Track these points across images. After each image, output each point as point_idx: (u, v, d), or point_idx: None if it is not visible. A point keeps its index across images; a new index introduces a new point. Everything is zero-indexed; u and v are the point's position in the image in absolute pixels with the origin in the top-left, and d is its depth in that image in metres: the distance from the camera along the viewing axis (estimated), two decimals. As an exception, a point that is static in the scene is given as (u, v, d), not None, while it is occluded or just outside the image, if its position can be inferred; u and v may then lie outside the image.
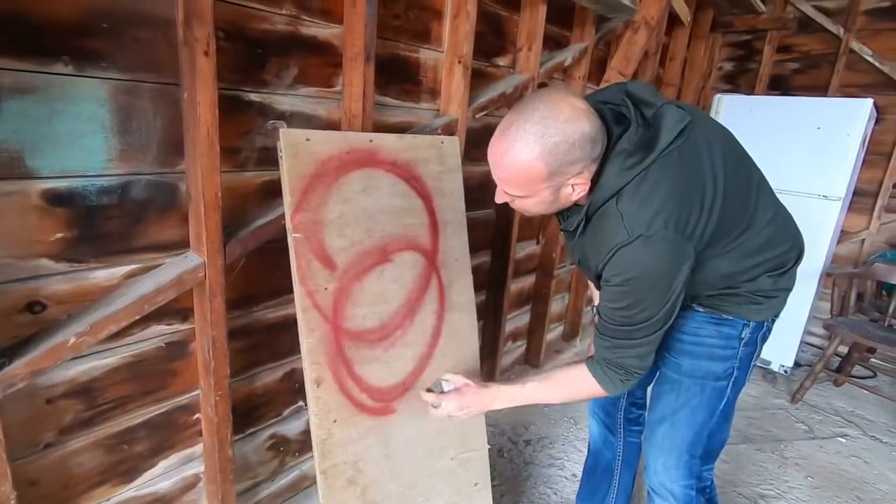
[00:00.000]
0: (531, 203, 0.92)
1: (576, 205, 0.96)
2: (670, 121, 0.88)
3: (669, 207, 0.85)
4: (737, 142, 1.00)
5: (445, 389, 1.13)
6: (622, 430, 1.43)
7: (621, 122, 0.89)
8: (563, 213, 1.01)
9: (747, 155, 1.01)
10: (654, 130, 0.88)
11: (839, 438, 2.35)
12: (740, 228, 0.95)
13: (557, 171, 0.83)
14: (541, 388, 1.07)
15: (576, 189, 0.88)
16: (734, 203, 0.93)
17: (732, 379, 1.10)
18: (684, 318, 1.10)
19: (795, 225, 1.09)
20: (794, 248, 1.06)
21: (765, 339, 1.12)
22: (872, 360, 2.95)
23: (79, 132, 0.94)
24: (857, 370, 2.90)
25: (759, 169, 1.03)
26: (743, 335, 1.07)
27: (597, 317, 1.02)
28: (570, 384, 1.05)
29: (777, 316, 1.12)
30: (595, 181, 0.89)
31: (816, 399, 2.69)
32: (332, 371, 1.13)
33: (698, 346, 1.10)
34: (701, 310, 1.09)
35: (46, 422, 1.02)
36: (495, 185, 0.94)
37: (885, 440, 2.36)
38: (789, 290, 1.08)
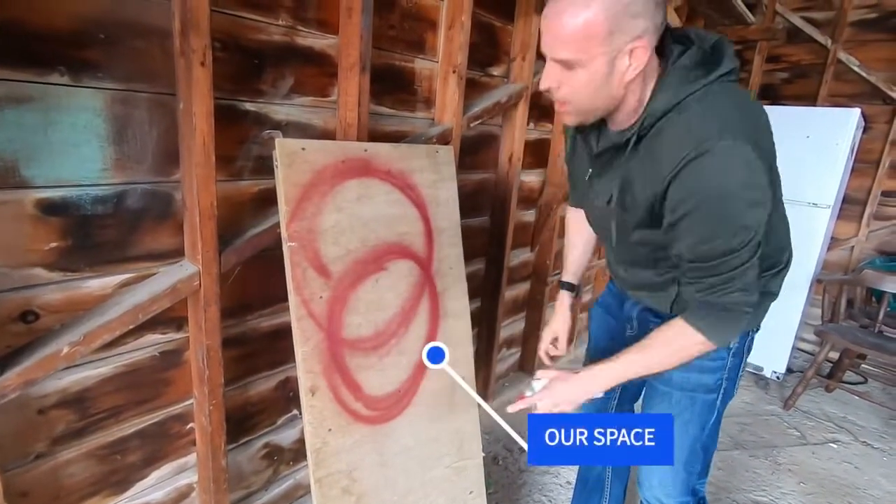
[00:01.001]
0: (582, 81, 0.81)
1: (614, 132, 0.91)
2: (731, 50, 0.84)
3: (744, 126, 0.79)
4: None
5: (537, 389, 1.03)
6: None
7: (683, 43, 0.85)
8: (593, 135, 0.96)
9: None
10: (716, 55, 0.83)
11: (831, 444, 2.37)
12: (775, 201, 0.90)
13: (618, 27, 0.75)
14: (640, 359, 0.95)
15: (632, 63, 0.79)
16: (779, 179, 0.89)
17: (722, 391, 1.09)
18: None
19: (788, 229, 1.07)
20: (787, 250, 1.05)
21: (749, 349, 1.11)
22: (863, 365, 2.98)
23: (74, 141, 0.94)
24: (849, 376, 2.93)
25: None
26: (731, 344, 1.06)
27: (680, 261, 0.90)
28: (672, 345, 0.93)
29: (758, 327, 1.11)
30: (653, 95, 0.84)
31: (808, 405, 2.71)
32: (327, 380, 1.13)
33: (688, 373, 1.06)
34: None
35: (38, 432, 1.02)
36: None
37: (877, 446, 2.38)
38: (775, 295, 1.06)
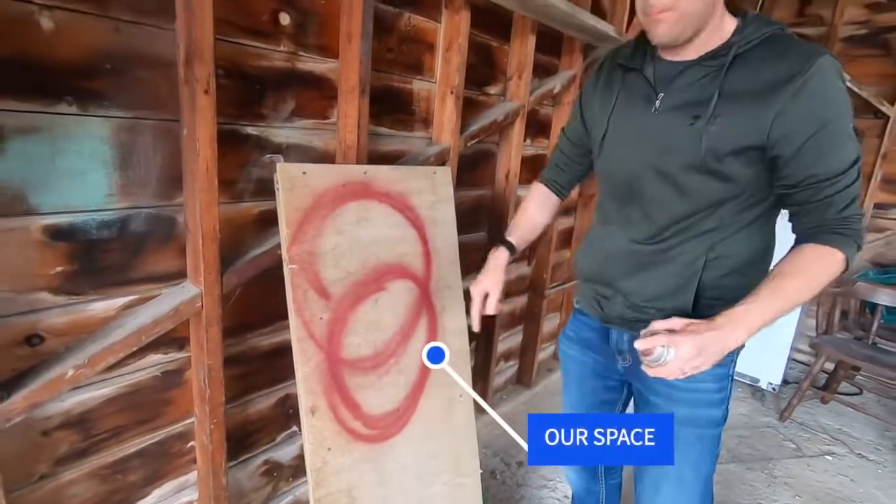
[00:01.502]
0: None
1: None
2: None
3: None
4: None
5: (669, 358, 0.80)
6: (602, 474, 1.39)
7: None
8: (649, 67, 0.98)
9: None
10: None
11: (826, 457, 2.39)
12: None
13: None
14: (784, 289, 0.84)
15: None
16: None
17: (728, 391, 1.03)
18: None
19: None
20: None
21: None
22: (858, 377, 3.00)
23: (81, 169, 0.97)
24: (844, 387, 2.95)
25: None
26: (731, 371, 1.01)
27: (803, 185, 0.86)
28: (815, 266, 0.86)
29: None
30: (743, 26, 0.89)
31: (804, 416, 2.73)
32: (327, 399, 1.15)
33: (694, 394, 1.00)
34: None
35: (41, 454, 1.03)
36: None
37: (872, 458, 2.40)
38: None
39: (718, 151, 0.89)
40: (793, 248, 0.90)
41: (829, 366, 2.81)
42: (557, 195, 1.31)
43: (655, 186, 0.97)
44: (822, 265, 0.86)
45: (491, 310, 1.20)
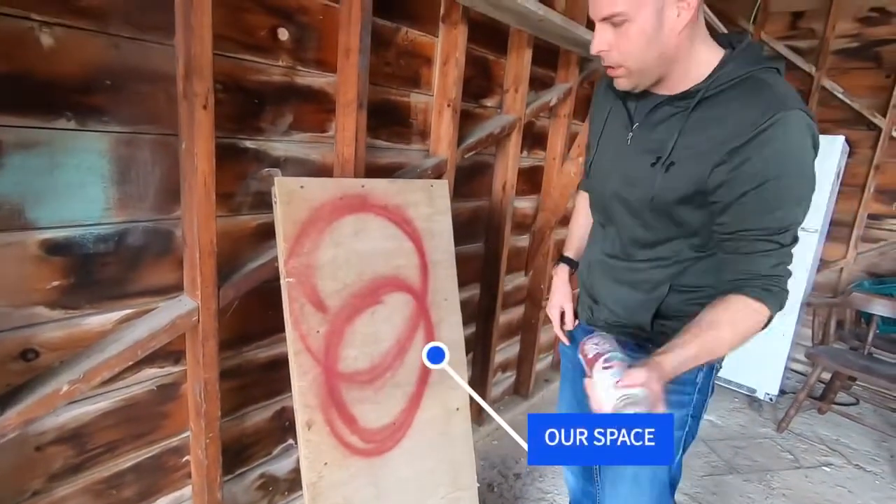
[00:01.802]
0: (632, 36, 0.82)
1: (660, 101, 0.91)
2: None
3: (803, 102, 0.82)
4: None
5: (641, 396, 0.78)
6: (598, 476, 1.36)
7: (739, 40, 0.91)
8: (634, 99, 0.97)
9: None
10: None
11: (824, 468, 2.38)
12: None
13: None
14: (708, 340, 0.84)
15: (680, 13, 0.81)
16: None
17: (687, 428, 1.04)
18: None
19: None
20: None
21: (713, 387, 1.06)
22: (855, 387, 3.00)
23: (79, 183, 0.97)
24: (841, 397, 2.96)
25: None
26: (698, 380, 1.02)
27: (740, 235, 0.86)
28: (739, 324, 0.85)
29: (721, 363, 1.06)
30: (722, 63, 0.86)
31: (801, 427, 2.73)
32: (324, 413, 1.14)
33: None
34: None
35: (35, 469, 1.02)
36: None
37: (869, 469, 2.40)
38: None
39: (666, 198, 0.91)
40: (721, 296, 0.87)
41: (826, 376, 2.81)
42: None
43: (622, 214, 1.01)
44: (750, 321, 0.86)
45: (570, 324, 1.26)
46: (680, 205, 0.90)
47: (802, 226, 0.97)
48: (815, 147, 0.82)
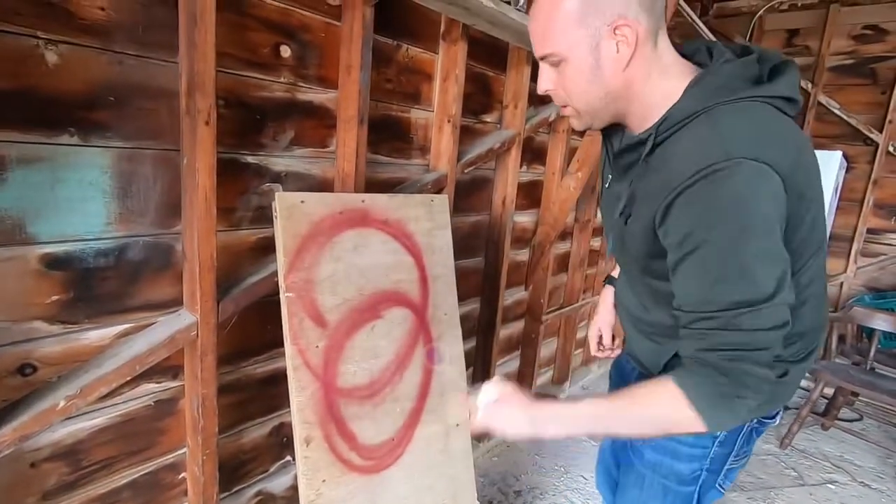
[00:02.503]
0: (571, 76, 0.75)
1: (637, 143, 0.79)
2: (792, 79, 0.73)
3: (783, 155, 0.66)
4: None
5: (482, 401, 0.84)
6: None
7: (738, 54, 0.77)
8: (616, 137, 0.87)
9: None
10: (773, 75, 0.73)
11: (829, 485, 2.35)
12: (796, 267, 0.73)
13: (591, 7, 0.70)
14: (611, 413, 0.77)
15: (621, 49, 0.71)
16: (814, 233, 0.75)
17: (700, 483, 0.93)
18: None
19: (827, 312, 0.90)
20: (808, 339, 0.85)
21: (749, 440, 0.94)
22: (858, 402, 2.98)
23: (80, 198, 0.97)
24: (845, 412, 2.93)
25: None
26: (718, 433, 0.89)
27: (680, 309, 0.73)
28: (651, 407, 0.74)
29: (768, 417, 0.93)
30: (682, 96, 0.74)
31: (805, 443, 2.70)
32: (322, 429, 1.13)
33: (664, 439, 0.92)
34: None
35: (29, 487, 1.01)
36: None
37: (874, 486, 2.36)
38: (787, 385, 0.87)
39: (629, 246, 0.85)
40: (652, 378, 0.78)
41: (829, 391, 2.79)
42: None
43: (616, 255, 0.97)
44: (667, 409, 0.72)
45: (607, 349, 1.24)
46: (638, 253, 0.83)
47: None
48: (777, 199, 0.66)
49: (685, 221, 0.68)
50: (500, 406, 0.82)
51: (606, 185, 0.94)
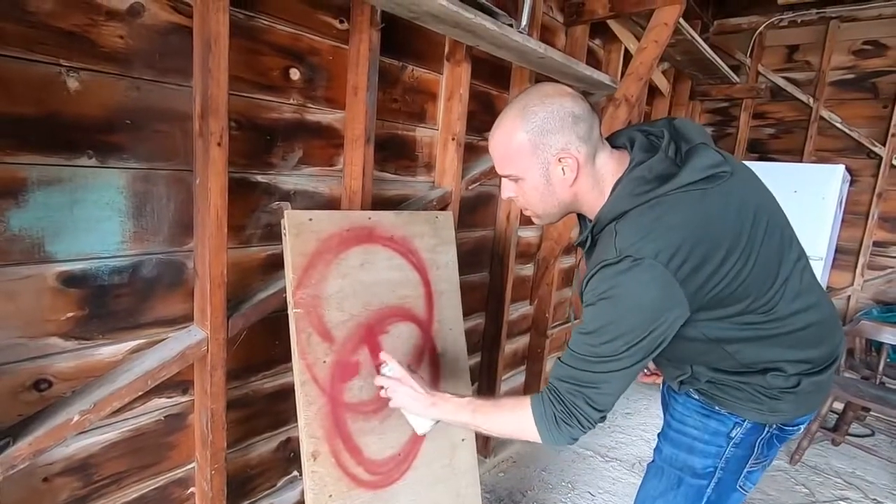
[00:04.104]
0: (528, 191, 0.92)
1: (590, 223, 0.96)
2: (702, 161, 0.85)
3: (669, 242, 0.79)
4: (781, 217, 0.94)
5: (387, 374, 1.10)
6: None
7: (651, 151, 0.89)
8: (584, 225, 1.03)
9: (790, 233, 0.94)
10: (680, 166, 0.86)
11: (840, 502, 2.31)
12: (757, 304, 0.87)
13: (539, 143, 0.86)
14: (473, 410, 0.98)
15: (567, 172, 0.88)
16: (755, 274, 0.85)
17: (714, 479, 1.01)
18: (676, 402, 1.07)
19: (838, 327, 0.97)
20: (823, 354, 0.94)
21: (770, 445, 1.00)
22: (869, 418, 2.94)
23: (97, 218, 1.01)
24: (855, 428, 2.89)
25: (804, 255, 0.95)
26: (733, 434, 0.98)
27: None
28: (506, 412, 0.95)
29: (789, 424, 0.99)
30: (607, 200, 0.89)
31: (816, 459, 2.66)
32: (329, 444, 1.15)
33: (680, 435, 1.04)
34: (695, 397, 1.02)
35: (42, 501, 1.02)
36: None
37: (887, 503, 2.32)
38: (800, 395, 0.94)
39: None
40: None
41: (839, 406, 2.76)
42: None
43: None
44: (512, 416, 0.93)
45: (651, 372, 1.29)
46: None
47: (807, 254, 0.95)
48: (654, 282, 0.79)
49: (588, 291, 0.86)
50: (397, 388, 1.06)
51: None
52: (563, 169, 0.88)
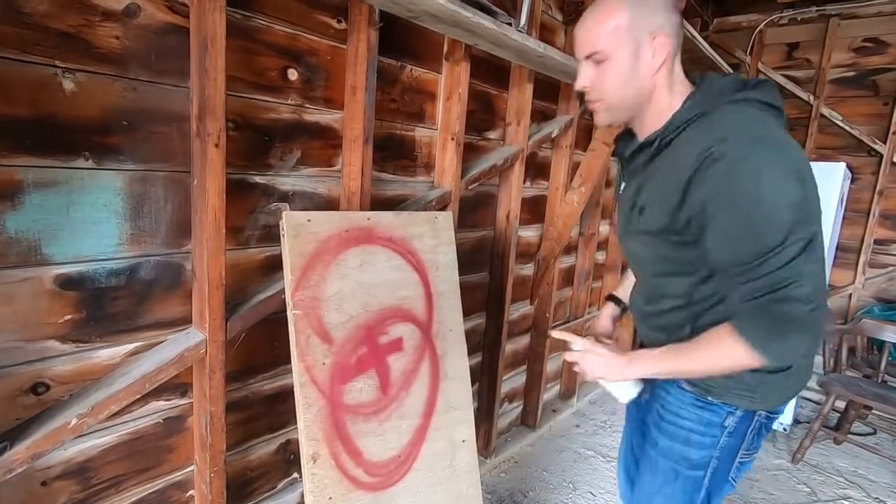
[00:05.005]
0: (612, 72, 0.90)
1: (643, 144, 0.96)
2: (775, 93, 0.90)
3: (765, 132, 0.82)
4: None
5: (575, 349, 1.07)
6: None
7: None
8: (627, 146, 1.03)
9: None
10: (756, 84, 0.89)
11: (842, 501, 2.31)
12: None
13: (637, 18, 0.87)
14: (678, 354, 0.93)
15: (656, 55, 0.89)
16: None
17: (711, 469, 1.02)
18: (669, 395, 1.06)
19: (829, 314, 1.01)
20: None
21: (760, 434, 1.03)
22: (871, 416, 2.93)
23: (94, 220, 1.00)
24: (857, 427, 2.89)
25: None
26: (727, 423, 1.00)
27: (718, 271, 0.88)
28: (714, 349, 0.88)
29: (773, 412, 1.02)
30: (683, 104, 0.90)
31: (818, 458, 2.66)
32: (329, 446, 1.14)
33: (676, 428, 1.04)
34: (688, 388, 1.03)
35: (40, 505, 1.02)
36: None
37: (889, 502, 2.32)
38: (790, 377, 0.97)
39: (647, 239, 0.97)
40: (718, 325, 0.90)
41: (840, 405, 2.75)
42: None
43: (632, 259, 1.11)
44: (727, 350, 0.87)
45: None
46: (660, 241, 0.94)
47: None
48: (783, 173, 0.78)
49: (705, 194, 0.82)
50: (588, 358, 1.04)
51: (621, 191, 1.08)
52: (653, 51, 0.89)
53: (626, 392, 1.07)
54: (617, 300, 1.33)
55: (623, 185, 1.08)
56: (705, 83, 0.91)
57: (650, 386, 1.13)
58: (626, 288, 1.33)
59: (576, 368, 1.07)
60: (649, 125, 0.96)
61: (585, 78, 0.95)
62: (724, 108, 0.86)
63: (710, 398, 1.00)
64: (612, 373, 1.03)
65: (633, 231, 1.02)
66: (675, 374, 0.97)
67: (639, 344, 1.18)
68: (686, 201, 0.85)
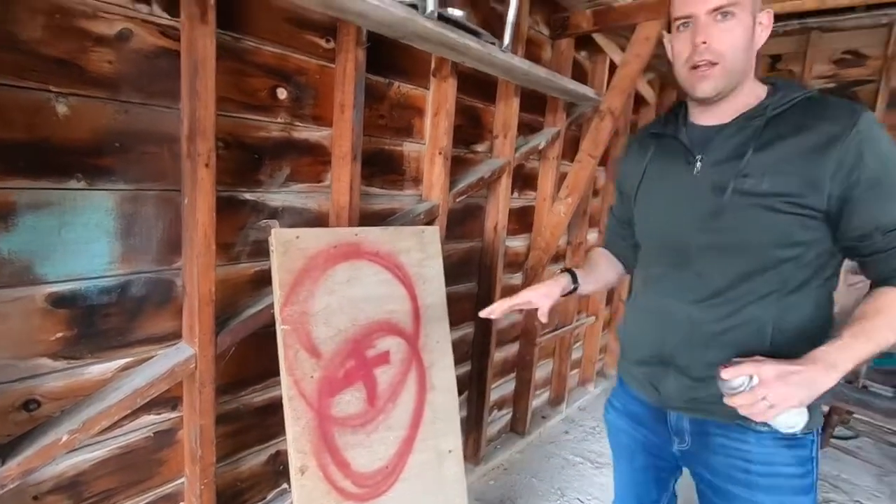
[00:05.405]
0: (735, 33, 0.88)
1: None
2: None
3: None
4: None
5: (755, 384, 0.75)
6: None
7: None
8: (683, 132, 0.99)
9: None
10: None
11: (825, 505, 2.36)
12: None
13: None
14: (867, 330, 0.79)
15: (762, 32, 0.92)
16: None
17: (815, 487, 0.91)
18: (747, 443, 0.91)
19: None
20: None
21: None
22: (853, 420, 2.99)
23: (85, 239, 1.02)
24: (840, 431, 2.94)
25: None
26: (814, 453, 0.91)
27: (875, 236, 0.83)
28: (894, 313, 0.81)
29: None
30: (775, 89, 0.93)
31: (801, 463, 2.70)
32: (317, 458, 1.17)
33: (774, 478, 0.89)
34: (764, 430, 0.89)
35: (31, 519, 1.04)
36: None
37: (870, 506, 2.37)
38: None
39: (757, 211, 0.87)
40: (869, 293, 0.86)
41: (823, 409, 2.80)
42: (622, 264, 1.27)
43: (707, 248, 0.93)
44: None
45: (495, 312, 1.14)
46: (781, 215, 0.86)
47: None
48: None
49: (867, 159, 0.82)
50: (779, 381, 0.74)
51: (694, 174, 0.96)
52: (762, 27, 0.92)
53: (802, 417, 0.79)
54: (574, 277, 1.14)
55: (698, 164, 0.95)
56: (785, 82, 0.95)
57: (693, 435, 0.98)
58: (587, 273, 1.18)
59: (760, 406, 0.75)
60: (733, 107, 0.93)
61: (705, 33, 0.88)
62: (820, 96, 0.90)
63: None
64: (817, 386, 0.75)
65: (737, 204, 0.89)
66: (882, 348, 0.79)
67: (654, 389, 1.02)
68: (841, 171, 0.82)
